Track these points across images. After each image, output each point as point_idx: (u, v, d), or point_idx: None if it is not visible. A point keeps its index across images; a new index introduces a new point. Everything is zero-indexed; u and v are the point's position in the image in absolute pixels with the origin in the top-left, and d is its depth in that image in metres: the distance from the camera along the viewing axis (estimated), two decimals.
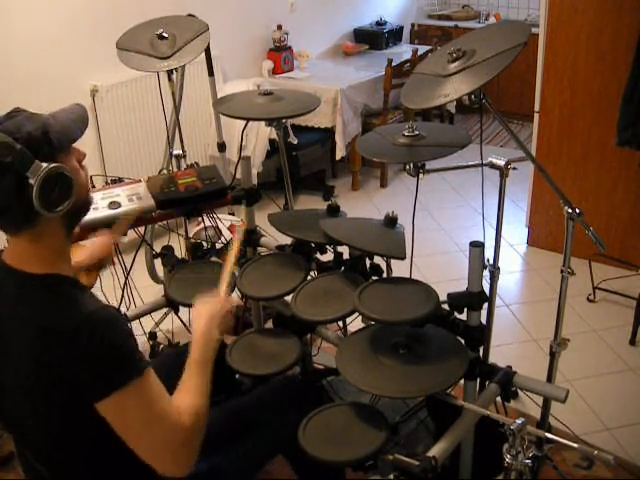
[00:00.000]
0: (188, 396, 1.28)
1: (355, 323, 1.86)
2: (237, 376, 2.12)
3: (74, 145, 1.25)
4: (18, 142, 1.11)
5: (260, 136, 3.97)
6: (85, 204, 1.31)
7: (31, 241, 1.21)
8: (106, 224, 1.95)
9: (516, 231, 3.75)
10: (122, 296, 2.16)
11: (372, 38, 5.22)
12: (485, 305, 1.67)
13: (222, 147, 3.27)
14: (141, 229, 2.33)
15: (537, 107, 3.36)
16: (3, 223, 1.20)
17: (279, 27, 4.47)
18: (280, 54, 4.48)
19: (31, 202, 1.13)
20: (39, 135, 1.16)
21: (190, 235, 2.61)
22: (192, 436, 1.25)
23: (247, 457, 1.57)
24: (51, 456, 1.31)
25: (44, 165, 1.13)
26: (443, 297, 1.62)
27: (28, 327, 1.18)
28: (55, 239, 1.24)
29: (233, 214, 3.22)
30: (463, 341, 1.62)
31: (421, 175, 1.79)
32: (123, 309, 2.13)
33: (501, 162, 1.75)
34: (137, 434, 1.20)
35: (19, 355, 1.20)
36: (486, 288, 1.69)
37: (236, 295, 1.61)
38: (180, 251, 2.42)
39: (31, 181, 1.12)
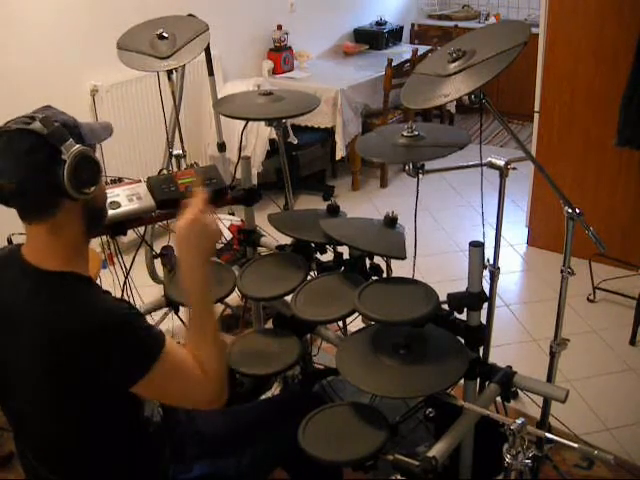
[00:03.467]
0: (205, 347, 1.30)
1: (355, 323, 1.86)
2: (237, 376, 2.13)
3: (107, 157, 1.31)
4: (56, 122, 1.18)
5: (260, 136, 3.97)
6: (104, 211, 1.36)
7: (49, 233, 1.22)
8: (105, 225, 1.94)
9: (516, 231, 3.75)
10: (122, 296, 2.16)
11: (372, 38, 5.22)
12: (485, 305, 1.67)
13: (222, 147, 3.27)
14: (141, 229, 2.32)
15: (537, 107, 3.36)
16: (27, 206, 1.21)
17: (279, 27, 4.47)
18: (280, 54, 4.48)
19: (60, 181, 1.16)
20: (73, 124, 1.23)
21: None
22: (224, 376, 1.32)
23: (251, 464, 1.57)
24: (54, 456, 1.31)
25: (77, 145, 1.18)
26: (443, 297, 1.62)
27: (40, 328, 1.18)
28: (73, 234, 1.25)
29: (233, 214, 3.22)
30: (463, 341, 1.62)
31: (421, 175, 1.79)
32: None
33: (501, 162, 1.75)
34: (179, 397, 1.28)
35: (31, 355, 1.20)
36: (486, 288, 1.69)
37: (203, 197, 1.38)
38: None
39: (64, 157, 1.16)
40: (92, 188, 1.21)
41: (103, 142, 1.34)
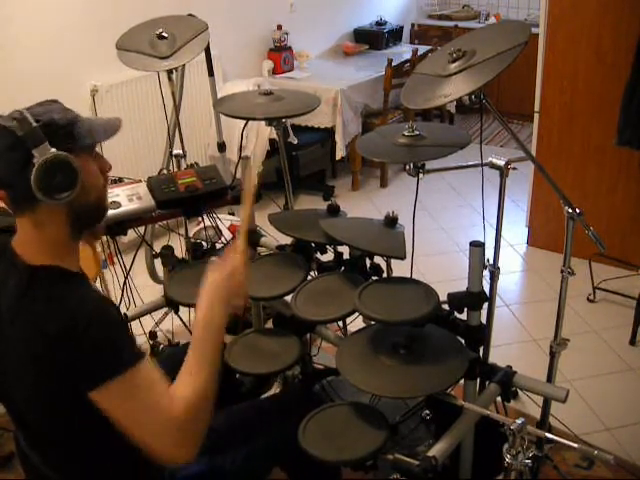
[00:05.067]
0: (185, 379, 1.24)
1: (355, 323, 1.86)
2: (237, 376, 2.13)
3: (104, 156, 1.29)
4: (37, 123, 1.15)
5: (260, 136, 3.96)
6: (96, 211, 1.31)
7: (33, 226, 1.22)
8: (105, 225, 1.95)
9: (516, 231, 3.75)
10: (122, 296, 2.16)
11: (372, 38, 5.22)
12: (485, 305, 1.67)
13: (222, 147, 3.27)
14: (141, 229, 2.32)
15: (537, 107, 3.36)
16: (9, 197, 1.21)
17: (279, 27, 4.47)
18: (280, 54, 4.48)
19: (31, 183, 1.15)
20: (62, 124, 1.19)
21: (190, 235, 2.61)
22: (187, 420, 1.20)
23: (249, 461, 1.56)
24: (54, 450, 1.31)
25: (52, 150, 1.15)
26: (443, 297, 1.62)
27: (24, 323, 1.18)
28: (57, 232, 1.23)
29: (233, 214, 3.22)
30: (463, 341, 1.62)
31: (421, 175, 1.79)
32: (123, 309, 2.13)
33: (501, 162, 1.75)
34: (129, 423, 1.19)
35: (16, 349, 1.20)
36: (486, 288, 1.69)
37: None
38: (180, 251, 2.42)
39: (35, 160, 1.14)
40: (65, 194, 1.17)
41: (109, 140, 1.31)
